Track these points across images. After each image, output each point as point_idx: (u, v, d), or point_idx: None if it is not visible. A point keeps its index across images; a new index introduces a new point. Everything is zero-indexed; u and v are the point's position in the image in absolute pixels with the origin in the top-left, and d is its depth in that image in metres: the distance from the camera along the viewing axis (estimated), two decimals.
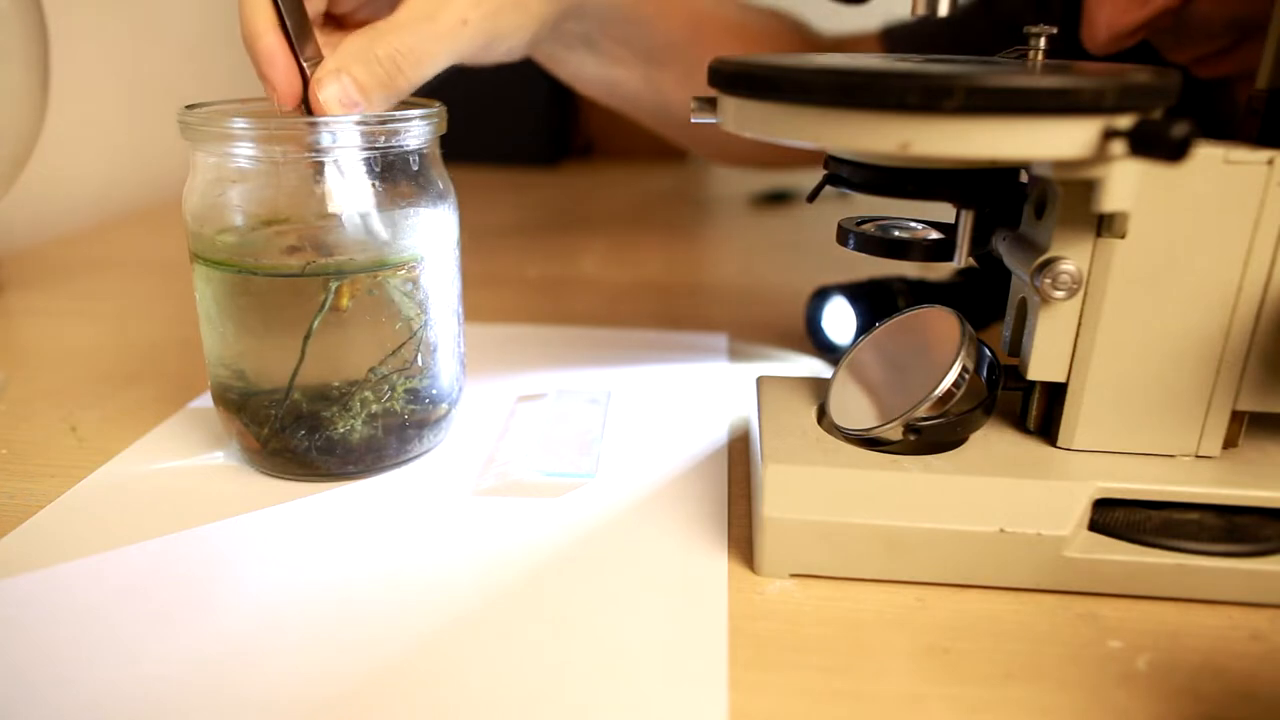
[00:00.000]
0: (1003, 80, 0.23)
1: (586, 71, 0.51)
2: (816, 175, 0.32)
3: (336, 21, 0.38)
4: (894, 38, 0.62)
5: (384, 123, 0.30)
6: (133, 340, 0.47)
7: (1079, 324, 0.28)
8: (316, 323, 0.30)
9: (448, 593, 0.27)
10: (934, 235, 0.32)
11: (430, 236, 0.32)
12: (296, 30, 0.31)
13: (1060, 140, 0.23)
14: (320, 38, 0.33)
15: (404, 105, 0.33)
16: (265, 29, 0.31)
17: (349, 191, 0.31)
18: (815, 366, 0.45)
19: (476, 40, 0.35)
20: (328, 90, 0.31)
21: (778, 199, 0.85)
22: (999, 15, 0.58)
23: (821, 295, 0.45)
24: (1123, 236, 0.27)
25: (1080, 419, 0.29)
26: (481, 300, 0.54)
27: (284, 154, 0.30)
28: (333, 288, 0.30)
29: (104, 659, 0.24)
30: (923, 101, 0.23)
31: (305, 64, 0.31)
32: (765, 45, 0.57)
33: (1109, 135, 0.23)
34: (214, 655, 0.25)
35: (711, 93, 0.29)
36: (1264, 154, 0.26)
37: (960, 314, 0.30)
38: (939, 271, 0.48)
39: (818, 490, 0.28)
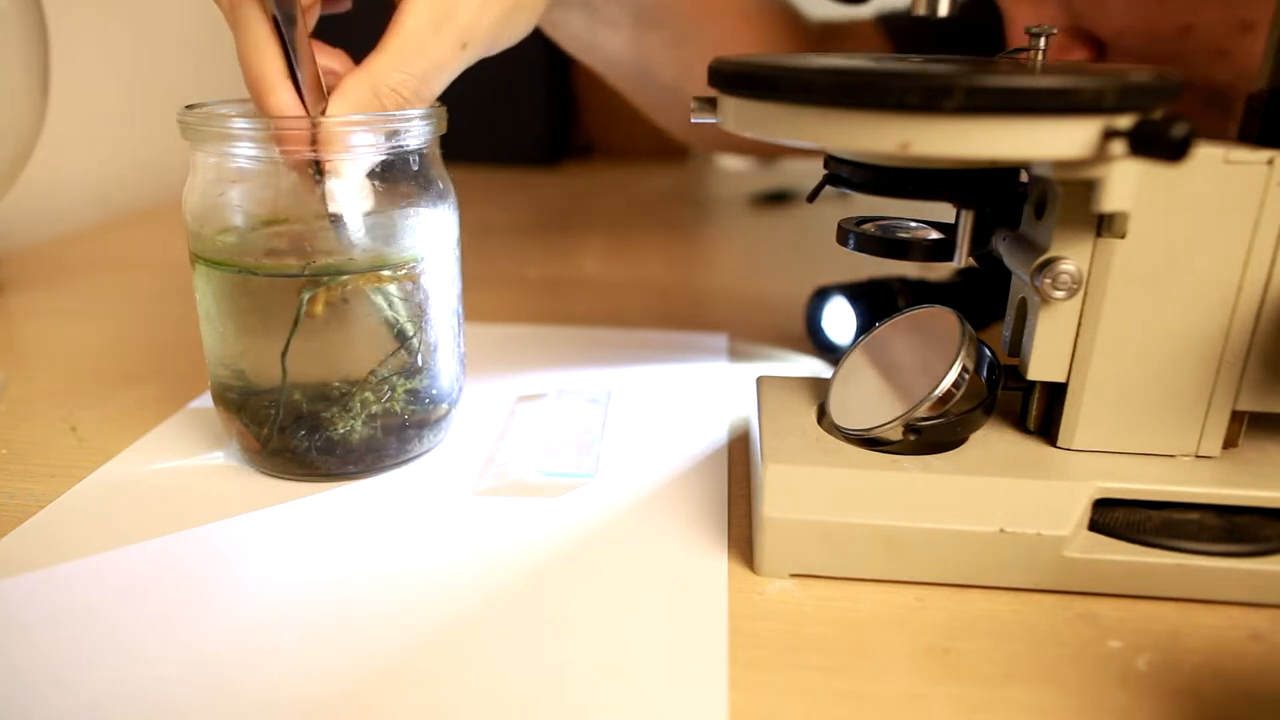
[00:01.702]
0: (1003, 80, 0.23)
1: (573, 28, 0.51)
2: (815, 174, 0.32)
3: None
4: (893, 25, 0.62)
5: (384, 123, 0.30)
6: (133, 340, 0.47)
7: (1079, 324, 0.28)
8: (293, 336, 0.30)
9: (448, 593, 0.27)
10: (934, 235, 0.32)
11: (430, 236, 0.32)
12: (309, 81, 0.30)
13: (1060, 140, 0.23)
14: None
15: None
16: (277, 81, 0.30)
17: (350, 193, 0.31)
18: (815, 366, 0.45)
19: (477, 56, 0.34)
20: (335, 144, 0.30)
21: (778, 199, 0.85)
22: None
23: (821, 295, 0.45)
24: (1123, 236, 0.27)
25: (1080, 419, 0.29)
26: (481, 300, 0.54)
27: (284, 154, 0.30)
28: (304, 297, 0.30)
29: (104, 659, 0.24)
30: (923, 101, 0.23)
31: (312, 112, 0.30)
32: (756, 21, 0.57)
33: (1109, 135, 0.23)
34: (214, 655, 0.25)
35: (710, 92, 0.29)
36: (1264, 154, 0.26)
37: (960, 314, 0.30)
38: (939, 271, 0.48)
39: (818, 490, 0.28)
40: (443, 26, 0.32)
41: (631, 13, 0.50)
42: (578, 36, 0.52)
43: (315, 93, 0.30)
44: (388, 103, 0.31)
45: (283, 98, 0.30)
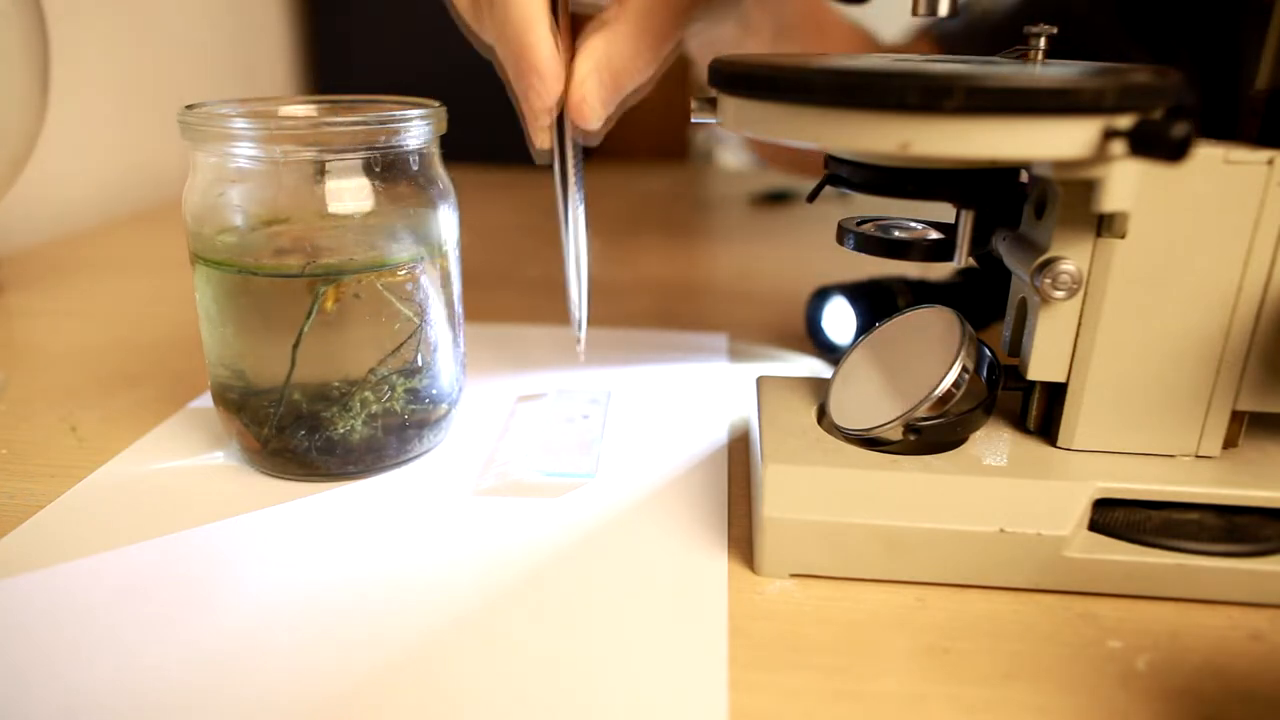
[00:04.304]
0: (1003, 80, 0.23)
1: (722, 37, 0.51)
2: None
3: None
4: (947, 40, 0.62)
5: (384, 123, 0.30)
6: (133, 340, 0.47)
7: (1079, 324, 0.28)
8: (306, 328, 0.30)
9: (448, 593, 0.27)
10: (934, 235, 0.32)
11: (430, 236, 0.32)
12: (565, 25, 0.30)
13: (1060, 140, 0.23)
14: None
15: (404, 105, 0.33)
16: (539, 16, 0.29)
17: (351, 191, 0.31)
18: (815, 366, 0.45)
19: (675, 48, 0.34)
20: (588, 88, 0.30)
21: (778, 199, 0.85)
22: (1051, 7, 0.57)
23: (821, 295, 0.45)
24: (1123, 236, 0.27)
25: (1080, 419, 0.29)
26: (481, 300, 0.54)
27: (284, 154, 0.30)
28: (320, 291, 0.30)
29: (104, 659, 0.24)
30: (923, 101, 0.23)
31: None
32: (851, 37, 0.60)
33: (1109, 135, 0.23)
34: (214, 655, 0.25)
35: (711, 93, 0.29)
36: (1264, 154, 0.26)
37: (960, 314, 0.30)
38: (939, 271, 0.48)
39: (818, 490, 0.28)
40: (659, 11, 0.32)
41: (773, 24, 0.52)
42: (719, 43, 0.52)
43: (568, 38, 0.31)
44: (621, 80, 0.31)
45: (543, 33, 0.30)
